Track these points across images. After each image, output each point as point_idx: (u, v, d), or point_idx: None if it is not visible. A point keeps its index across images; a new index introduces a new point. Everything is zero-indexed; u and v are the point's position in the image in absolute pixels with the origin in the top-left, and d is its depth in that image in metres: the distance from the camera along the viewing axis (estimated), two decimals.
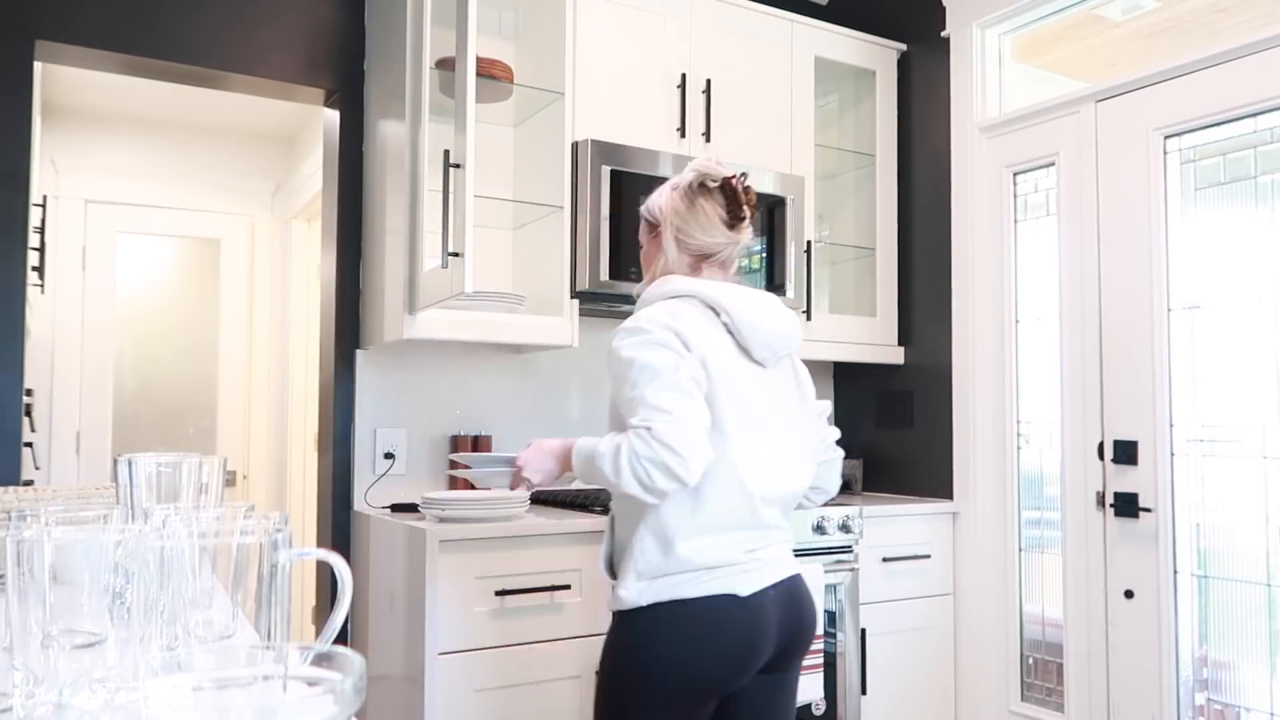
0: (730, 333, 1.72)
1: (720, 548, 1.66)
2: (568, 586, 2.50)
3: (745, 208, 1.78)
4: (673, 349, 1.63)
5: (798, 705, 2.72)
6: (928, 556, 3.14)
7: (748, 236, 1.81)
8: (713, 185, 1.77)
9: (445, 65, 2.67)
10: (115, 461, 1.06)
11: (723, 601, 1.64)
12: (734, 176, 1.79)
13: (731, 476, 1.65)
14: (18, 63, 2.59)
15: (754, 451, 1.68)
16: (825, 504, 2.95)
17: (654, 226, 1.83)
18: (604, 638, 1.75)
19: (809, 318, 3.20)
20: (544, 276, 2.86)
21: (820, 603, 2.79)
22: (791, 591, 1.74)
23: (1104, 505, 2.85)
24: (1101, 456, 2.86)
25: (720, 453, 1.64)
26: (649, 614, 1.64)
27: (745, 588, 1.65)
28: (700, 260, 1.79)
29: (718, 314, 1.72)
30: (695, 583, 1.63)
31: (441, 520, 2.43)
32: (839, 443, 1.99)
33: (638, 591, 1.65)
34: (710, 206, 1.77)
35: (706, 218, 1.77)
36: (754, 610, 1.66)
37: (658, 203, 1.83)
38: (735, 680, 1.66)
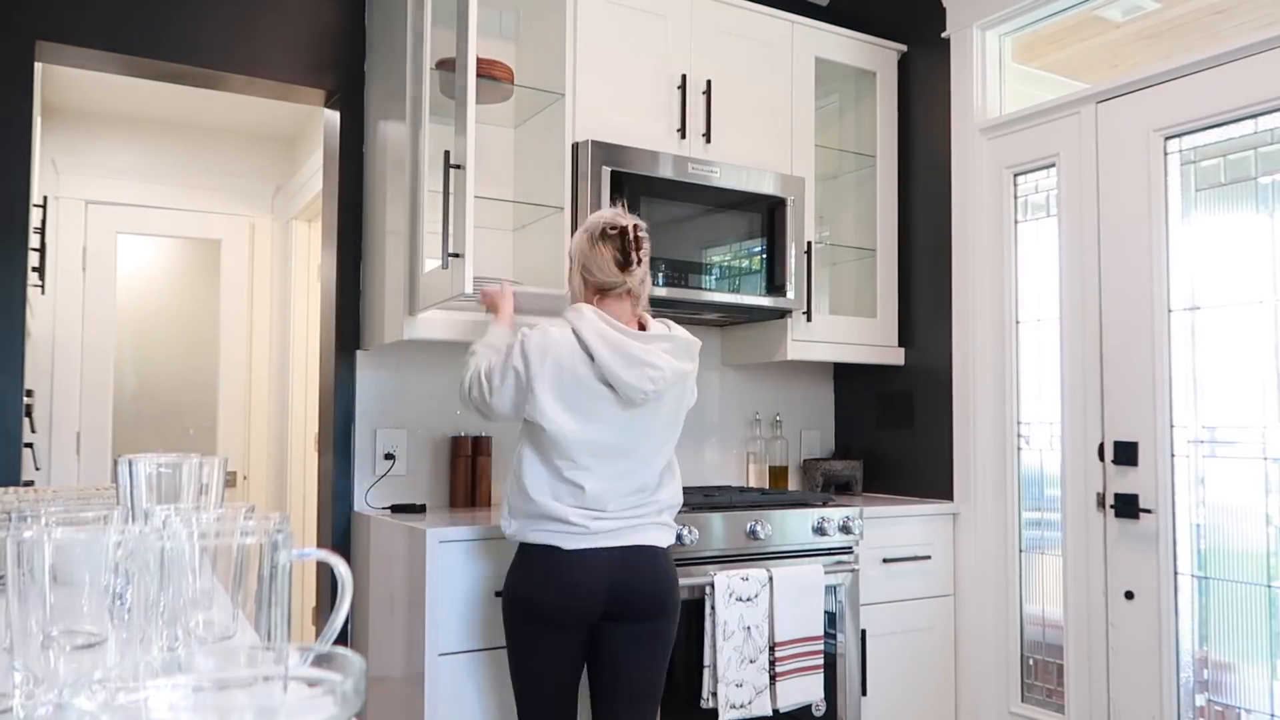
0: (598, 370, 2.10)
1: (549, 515, 2.12)
2: None
3: (635, 254, 2.15)
4: (514, 368, 2.12)
5: (798, 705, 2.73)
6: (928, 557, 3.14)
7: (636, 279, 2.17)
8: (611, 233, 2.16)
9: (445, 66, 2.67)
10: (115, 462, 1.06)
11: (549, 550, 2.11)
12: (630, 227, 2.16)
13: (553, 477, 2.13)
14: (18, 63, 2.60)
15: (580, 457, 2.11)
16: (826, 505, 2.96)
17: (571, 259, 2.25)
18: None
19: (809, 319, 3.20)
20: (544, 277, 2.86)
21: (821, 603, 2.79)
22: (627, 557, 2.12)
23: (1104, 506, 2.85)
24: (1102, 457, 2.85)
25: (545, 456, 2.13)
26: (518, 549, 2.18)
27: (569, 545, 2.09)
28: (597, 291, 2.19)
29: (591, 356, 2.08)
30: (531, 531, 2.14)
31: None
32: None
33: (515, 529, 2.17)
34: (608, 250, 2.15)
35: (603, 259, 2.15)
36: (578, 562, 2.09)
37: (574, 239, 2.25)
38: (569, 613, 2.09)
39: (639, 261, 2.16)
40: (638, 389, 2.08)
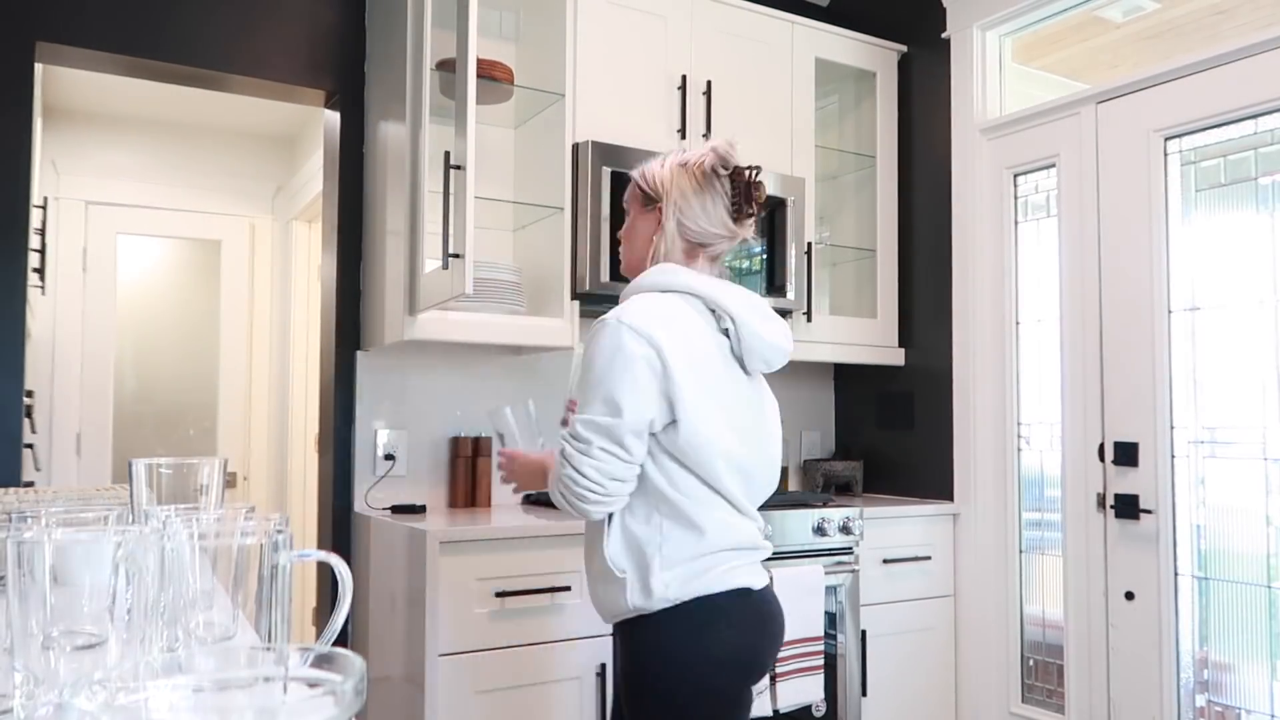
0: (728, 337, 1.67)
1: (726, 546, 1.65)
2: (568, 588, 2.50)
3: (753, 204, 1.71)
4: (642, 362, 1.57)
5: (799, 705, 2.73)
6: (928, 558, 3.14)
7: (748, 233, 1.74)
8: (723, 173, 1.69)
9: (446, 67, 2.67)
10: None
11: (743, 593, 1.65)
12: (750, 169, 1.71)
13: (711, 492, 1.65)
14: (18, 64, 2.60)
15: (732, 448, 1.65)
16: (826, 505, 2.96)
17: (650, 200, 1.71)
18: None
19: (809, 319, 3.20)
20: (545, 278, 2.86)
21: (821, 604, 2.78)
22: (769, 591, 1.73)
23: (1104, 507, 2.85)
24: (1102, 458, 2.85)
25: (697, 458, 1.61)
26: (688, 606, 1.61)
27: (759, 582, 1.68)
28: (695, 249, 1.71)
29: (719, 318, 1.66)
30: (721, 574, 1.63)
31: None
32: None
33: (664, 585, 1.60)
34: (720, 194, 1.69)
35: (714, 204, 1.69)
36: (768, 598, 1.71)
37: (660, 175, 1.70)
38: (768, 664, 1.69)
39: (755, 212, 1.73)
40: (780, 349, 1.69)
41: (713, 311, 1.66)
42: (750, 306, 1.68)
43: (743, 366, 1.69)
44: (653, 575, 1.59)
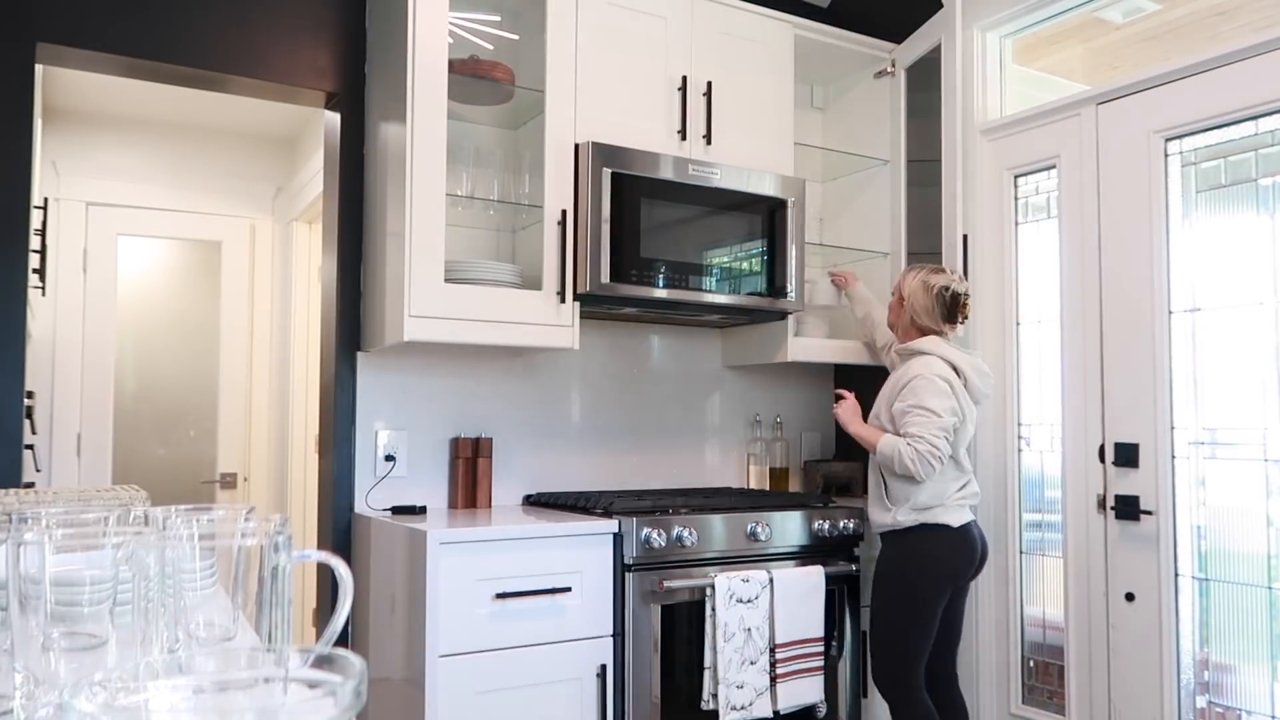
0: (959, 375, 2.72)
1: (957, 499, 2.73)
2: (568, 589, 2.50)
3: (960, 316, 2.78)
4: (952, 408, 2.68)
5: (799, 706, 2.73)
6: None
7: (956, 331, 2.81)
8: (945, 294, 2.75)
9: (454, 69, 2.67)
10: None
11: (963, 527, 2.72)
12: (964, 294, 2.77)
13: (959, 471, 2.75)
14: (19, 65, 2.60)
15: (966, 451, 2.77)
16: (826, 506, 2.96)
17: (900, 297, 2.83)
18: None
19: (809, 320, 3.20)
20: (545, 279, 2.86)
21: (821, 605, 2.78)
22: (976, 529, 2.76)
23: (1105, 508, 2.85)
24: (1102, 459, 2.85)
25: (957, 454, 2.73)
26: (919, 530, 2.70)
27: (964, 520, 2.72)
28: (921, 330, 2.78)
29: (957, 372, 2.69)
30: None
31: None
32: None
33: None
34: (939, 306, 2.76)
35: (933, 311, 2.76)
36: (969, 531, 2.73)
37: (906, 282, 2.82)
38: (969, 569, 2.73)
39: (962, 320, 2.78)
40: (985, 393, 2.75)
41: (953, 366, 2.71)
42: (970, 364, 2.73)
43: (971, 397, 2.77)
44: (913, 508, 2.68)
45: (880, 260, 3.45)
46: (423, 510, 2.83)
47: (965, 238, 3.10)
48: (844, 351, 3.34)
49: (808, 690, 2.73)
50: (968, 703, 2.91)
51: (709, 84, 3.05)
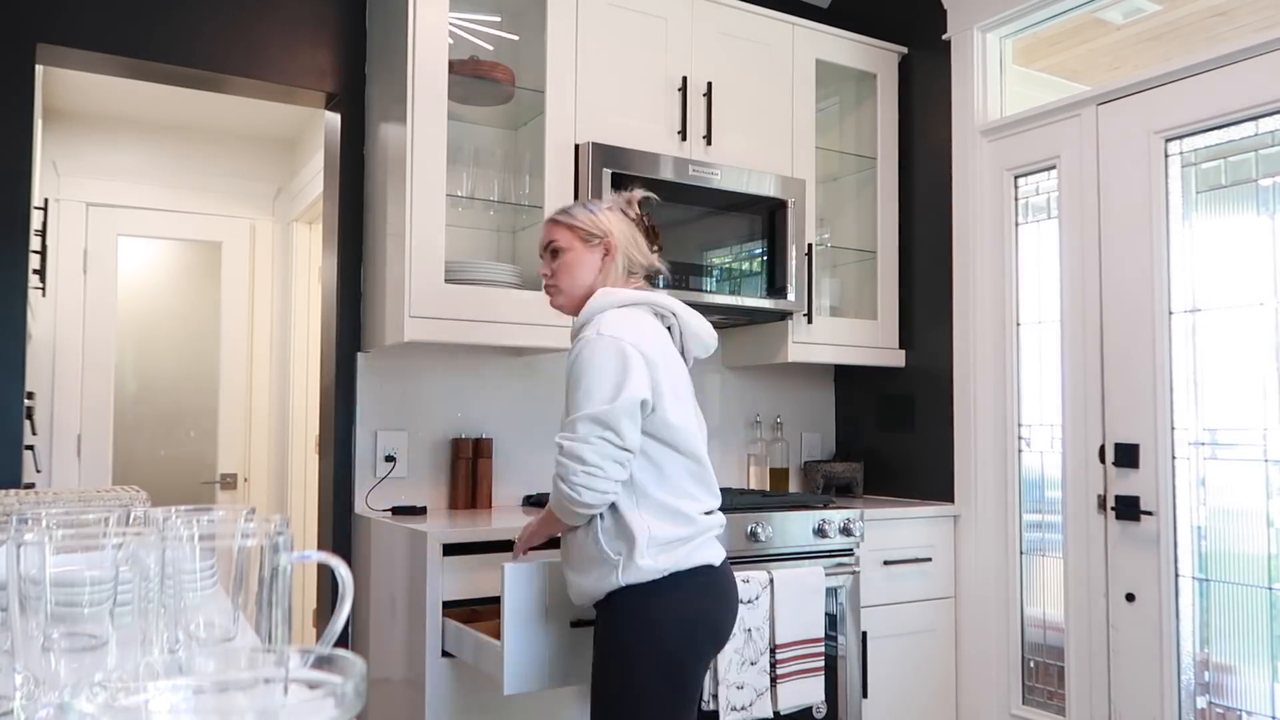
0: (672, 333, 2.04)
1: (696, 531, 1.95)
2: None
3: (657, 240, 2.14)
4: (628, 363, 1.86)
5: (799, 707, 2.73)
6: (929, 559, 3.14)
7: (659, 262, 2.15)
8: (637, 215, 2.10)
9: (455, 69, 2.67)
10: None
11: (707, 570, 1.96)
12: (645, 215, 2.13)
13: (689, 480, 1.97)
14: (19, 66, 2.60)
15: (695, 431, 1.98)
16: (827, 507, 2.96)
17: (590, 241, 2.05)
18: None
19: (810, 320, 3.21)
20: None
21: (822, 605, 2.78)
22: (727, 570, 2.04)
23: (1105, 508, 2.85)
24: (1103, 459, 2.85)
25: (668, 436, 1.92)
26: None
27: (719, 559, 1.99)
28: (629, 276, 2.08)
29: (663, 319, 2.03)
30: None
31: None
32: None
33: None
34: (641, 232, 2.10)
35: (641, 240, 2.09)
36: (728, 573, 2.03)
37: (603, 222, 2.06)
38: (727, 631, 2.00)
39: (660, 246, 2.16)
40: (708, 343, 2.08)
41: (659, 316, 2.02)
42: (685, 307, 2.07)
43: (684, 356, 2.06)
44: (641, 555, 1.86)
45: (869, 260, 3.45)
46: (423, 511, 2.83)
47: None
48: (844, 352, 3.34)
49: (808, 691, 2.73)
50: (968, 703, 2.91)
51: (709, 84, 3.05)
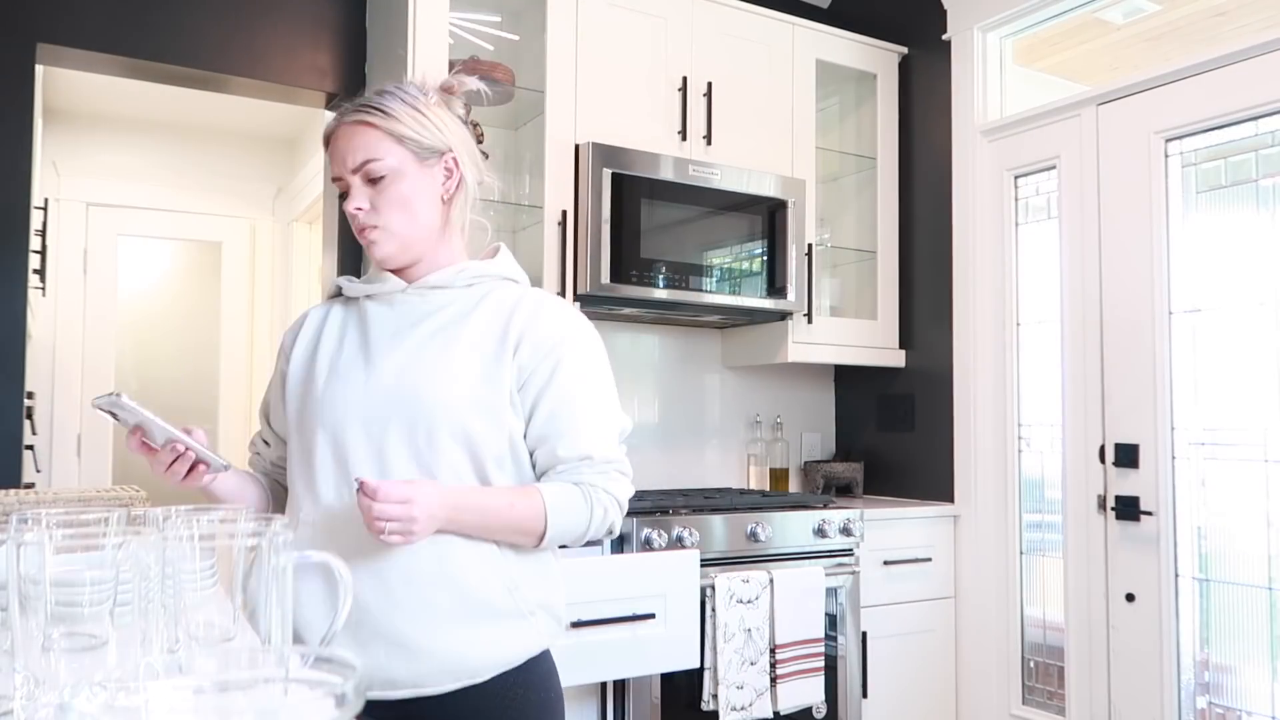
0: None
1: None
2: None
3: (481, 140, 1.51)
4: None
5: (799, 707, 2.73)
6: (929, 560, 3.14)
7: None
8: (463, 116, 1.45)
9: (455, 69, 2.67)
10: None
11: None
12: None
13: None
14: (19, 66, 2.60)
15: None
16: (826, 507, 2.95)
17: (429, 153, 1.38)
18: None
19: (810, 321, 3.21)
20: (545, 279, 2.86)
21: (821, 605, 2.78)
22: None
23: (1105, 508, 2.85)
24: (1103, 460, 2.85)
25: None
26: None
27: None
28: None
29: None
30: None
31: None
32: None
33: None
34: (475, 141, 1.46)
35: (479, 156, 1.47)
36: None
37: (436, 118, 1.37)
38: None
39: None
40: None
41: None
42: None
43: None
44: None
45: (869, 260, 3.45)
46: None
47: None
48: (844, 352, 3.34)
49: (808, 691, 2.73)
50: (968, 704, 2.91)
51: (709, 84, 3.05)
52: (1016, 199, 3.17)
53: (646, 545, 2.58)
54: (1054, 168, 3.03)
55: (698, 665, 2.56)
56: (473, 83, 1.43)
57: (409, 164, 1.36)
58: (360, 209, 1.37)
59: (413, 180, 1.37)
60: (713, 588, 2.60)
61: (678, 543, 2.63)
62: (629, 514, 2.63)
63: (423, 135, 1.37)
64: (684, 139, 3.00)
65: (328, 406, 1.36)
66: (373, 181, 1.36)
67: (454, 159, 1.40)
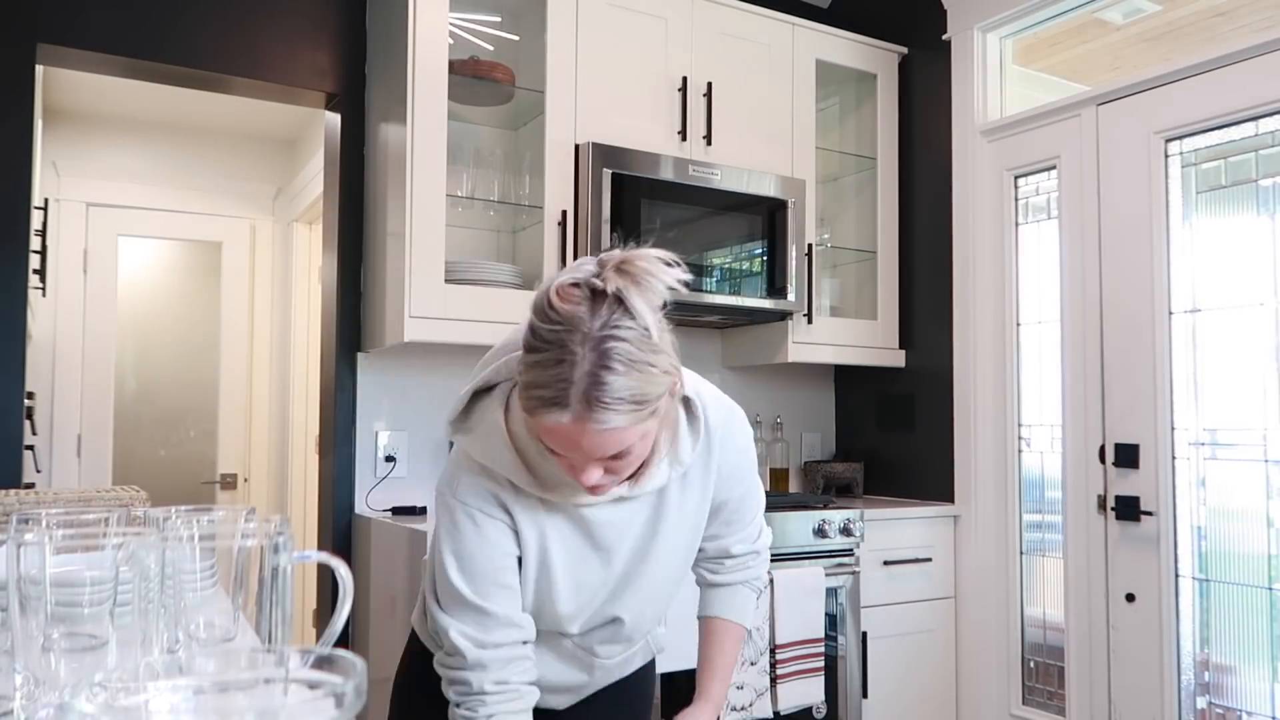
0: None
1: None
2: None
3: None
4: None
5: (799, 707, 2.73)
6: (929, 560, 3.14)
7: None
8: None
9: (454, 69, 2.67)
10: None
11: None
12: None
13: None
14: (19, 66, 2.60)
15: None
16: (827, 507, 2.95)
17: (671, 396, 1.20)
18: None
19: (810, 321, 3.21)
20: (545, 279, 2.86)
21: (822, 605, 2.78)
22: None
23: (1105, 508, 2.85)
24: (1103, 460, 2.85)
25: None
26: None
27: None
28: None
29: None
30: None
31: None
32: None
33: None
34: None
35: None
36: None
37: (667, 365, 1.17)
38: None
39: None
40: None
41: None
42: None
43: None
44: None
45: (869, 260, 3.45)
46: (423, 511, 2.83)
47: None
48: (844, 352, 3.34)
49: (808, 691, 2.73)
50: (968, 703, 2.91)
51: (709, 84, 3.05)
52: (1016, 199, 3.17)
53: None
54: (1054, 168, 3.03)
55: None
56: (672, 277, 1.17)
57: (653, 422, 1.18)
58: (601, 485, 1.21)
59: (655, 429, 1.20)
60: None
61: None
62: None
63: (663, 386, 1.16)
64: (684, 139, 3.00)
65: None
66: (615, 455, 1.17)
67: (678, 375, 1.20)
